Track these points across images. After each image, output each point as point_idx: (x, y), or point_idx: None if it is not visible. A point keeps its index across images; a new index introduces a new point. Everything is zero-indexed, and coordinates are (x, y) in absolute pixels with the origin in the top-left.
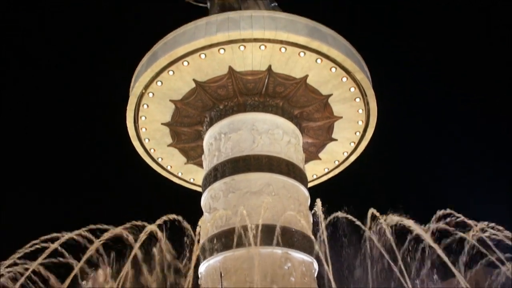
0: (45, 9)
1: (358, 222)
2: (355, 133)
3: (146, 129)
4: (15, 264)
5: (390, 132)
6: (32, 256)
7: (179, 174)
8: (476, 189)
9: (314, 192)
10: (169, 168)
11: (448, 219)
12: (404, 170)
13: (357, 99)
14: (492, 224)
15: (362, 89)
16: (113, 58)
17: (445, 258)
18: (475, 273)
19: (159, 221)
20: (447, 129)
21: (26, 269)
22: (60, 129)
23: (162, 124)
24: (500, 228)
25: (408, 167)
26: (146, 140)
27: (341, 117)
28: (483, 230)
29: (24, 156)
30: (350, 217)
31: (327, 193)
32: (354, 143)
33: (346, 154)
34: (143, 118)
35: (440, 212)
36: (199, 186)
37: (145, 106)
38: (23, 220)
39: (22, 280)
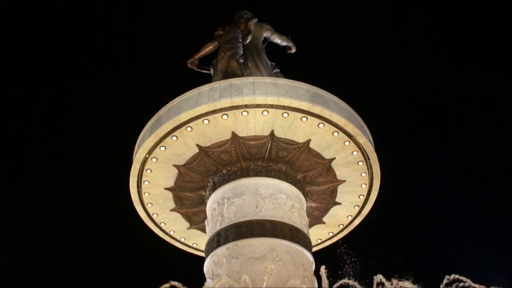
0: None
1: None
2: (359, 197)
3: (149, 193)
4: None
5: (395, 194)
6: None
7: (182, 239)
8: (485, 254)
9: (319, 256)
10: (171, 233)
11: (456, 285)
12: (411, 234)
13: (360, 163)
14: None
15: (364, 153)
16: (116, 122)
17: None
18: None
19: None
20: (455, 191)
21: None
22: (60, 191)
23: (165, 189)
24: None
25: (414, 230)
26: (149, 205)
27: (345, 181)
28: None
29: (22, 223)
30: (356, 285)
31: (332, 257)
32: (358, 206)
33: (350, 218)
34: (146, 182)
35: (448, 278)
36: (201, 251)
37: (148, 171)
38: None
39: None
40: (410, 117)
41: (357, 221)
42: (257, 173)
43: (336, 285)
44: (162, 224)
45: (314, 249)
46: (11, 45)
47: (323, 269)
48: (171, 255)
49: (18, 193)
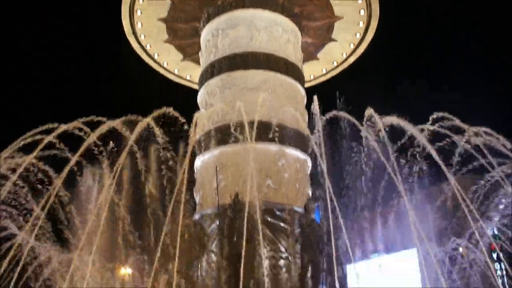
0: None
1: (353, 120)
2: (355, 35)
3: (142, 24)
4: (12, 156)
5: (391, 35)
6: (28, 149)
7: (175, 71)
8: (473, 95)
9: (311, 93)
10: (165, 64)
11: (443, 122)
12: (404, 75)
13: (359, 0)
14: (486, 129)
15: None
16: None
17: (437, 158)
18: (463, 179)
19: (154, 114)
20: (449, 34)
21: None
22: (56, 22)
23: (158, 19)
24: (493, 133)
25: (407, 71)
26: (142, 36)
27: (342, 18)
28: (476, 135)
29: (22, 46)
30: (346, 115)
31: (325, 94)
32: (354, 44)
33: (345, 55)
34: (138, 12)
35: (435, 115)
36: (195, 83)
37: (140, 0)
38: (18, 112)
39: (19, 171)
40: None
41: (351, 59)
42: (253, 4)
43: (328, 115)
44: (156, 56)
45: (307, 85)
46: None
47: (315, 99)
48: (164, 88)
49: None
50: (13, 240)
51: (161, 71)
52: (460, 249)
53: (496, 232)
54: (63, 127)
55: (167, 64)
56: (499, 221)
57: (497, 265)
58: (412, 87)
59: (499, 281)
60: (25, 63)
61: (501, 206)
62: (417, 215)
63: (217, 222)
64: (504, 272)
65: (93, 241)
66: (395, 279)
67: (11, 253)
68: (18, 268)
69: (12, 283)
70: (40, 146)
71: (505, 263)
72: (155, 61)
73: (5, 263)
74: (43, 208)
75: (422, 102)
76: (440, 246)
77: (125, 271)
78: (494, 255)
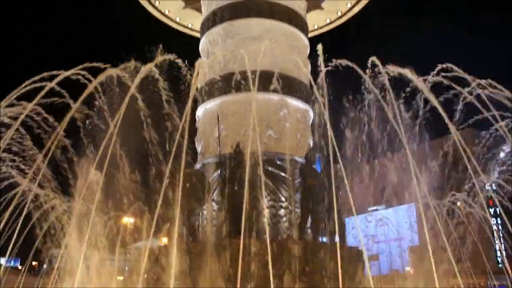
0: None
1: (357, 69)
2: None
3: None
4: (12, 105)
5: None
6: (29, 96)
7: (177, 19)
8: (482, 49)
9: (315, 43)
10: (166, 12)
11: (447, 73)
12: (409, 26)
13: None
14: (490, 81)
15: None
16: None
17: (440, 109)
18: (464, 133)
19: (156, 61)
20: None
21: (24, 109)
22: None
23: None
24: (497, 85)
25: (413, 23)
26: None
27: None
28: (480, 87)
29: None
30: (349, 63)
31: (329, 45)
32: None
33: (349, 5)
34: None
35: (440, 66)
36: (197, 31)
37: None
38: (18, 59)
39: (21, 119)
40: None
41: (356, 9)
42: None
43: (331, 64)
44: (157, 3)
45: (310, 35)
46: None
47: (320, 47)
48: (166, 36)
49: None
50: (16, 189)
51: (163, 19)
52: (458, 203)
53: (494, 187)
54: (65, 74)
55: (169, 12)
56: (498, 176)
57: (493, 220)
58: (417, 38)
59: (495, 236)
60: (29, 13)
61: (502, 161)
62: (417, 168)
63: (219, 171)
64: (501, 227)
65: (96, 190)
66: (394, 231)
67: (15, 202)
68: (21, 217)
69: (16, 232)
70: (42, 93)
71: (505, 217)
72: (156, 8)
73: (8, 212)
74: (45, 156)
75: (428, 54)
76: (439, 200)
77: (127, 219)
78: (491, 210)
